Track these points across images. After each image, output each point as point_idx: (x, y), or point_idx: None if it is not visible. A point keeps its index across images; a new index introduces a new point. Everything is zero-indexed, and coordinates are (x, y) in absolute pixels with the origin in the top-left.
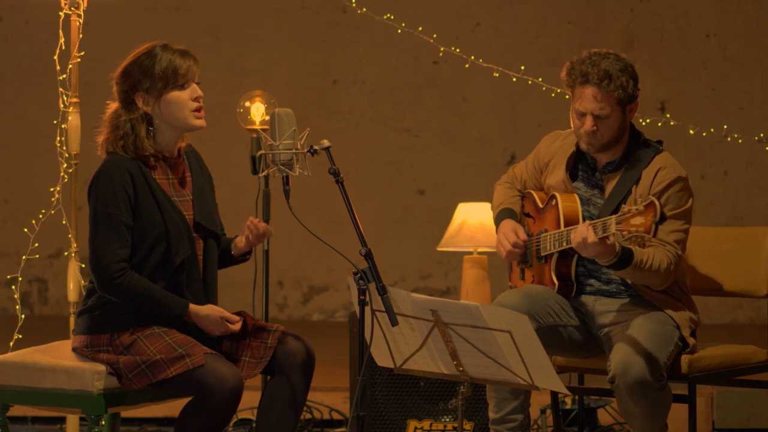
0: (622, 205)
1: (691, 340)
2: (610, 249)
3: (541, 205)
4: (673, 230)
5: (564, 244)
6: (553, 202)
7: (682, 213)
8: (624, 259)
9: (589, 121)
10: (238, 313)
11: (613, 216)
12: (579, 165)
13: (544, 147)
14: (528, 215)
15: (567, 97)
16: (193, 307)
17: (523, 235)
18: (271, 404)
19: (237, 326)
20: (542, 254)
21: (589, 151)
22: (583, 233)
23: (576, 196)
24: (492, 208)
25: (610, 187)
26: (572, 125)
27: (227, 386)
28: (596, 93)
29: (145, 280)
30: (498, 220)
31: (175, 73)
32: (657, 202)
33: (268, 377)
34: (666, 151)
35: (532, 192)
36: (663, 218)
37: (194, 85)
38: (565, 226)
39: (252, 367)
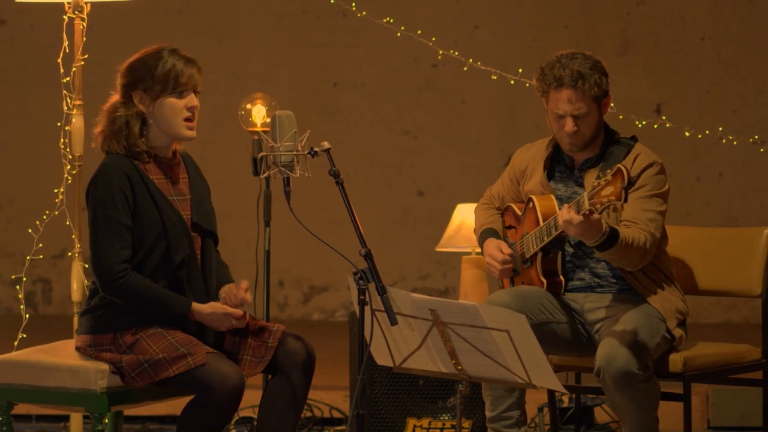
0: (593, 181)
1: (677, 332)
2: (596, 224)
3: (520, 213)
4: (648, 209)
5: (545, 237)
6: (530, 205)
7: (659, 194)
8: (611, 238)
9: (569, 123)
10: None
11: (585, 192)
12: (556, 166)
13: (518, 158)
14: (510, 227)
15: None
16: (196, 305)
17: (507, 250)
18: (272, 404)
19: (242, 321)
20: (527, 256)
21: (571, 151)
22: (565, 214)
23: (552, 196)
24: (474, 231)
25: (589, 183)
26: (551, 129)
27: (229, 385)
28: (572, 95)
29: (147, 280)
30: (481, 242)
31: (176, 80)
32: (624, 168)
33: (269, 376)
34: (641, 143)
35: (511, 204)
36: (631, 183)
37: (192, 95)
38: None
39: (253, 366)
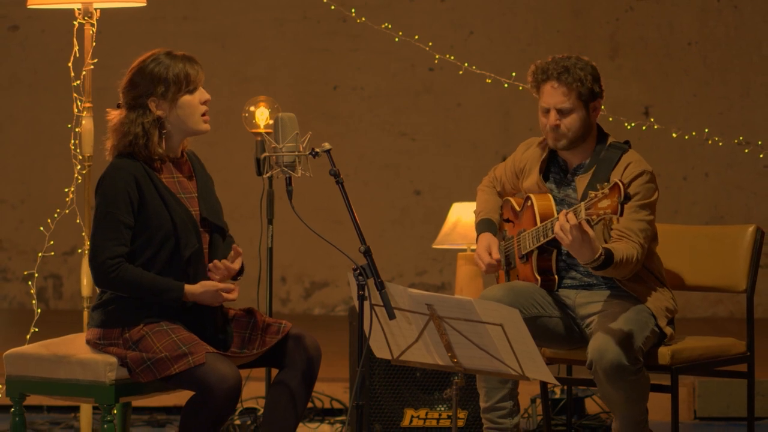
0: (589, 191)
1: (668, 330)
2: (588, 242)
3: (518, 209)
4: (639, 219)
5: (542, 238)
6: (528, 203)
7: (648, 204)
8: (606, 261)
9: (552, 116)
10: (247, 311)
11: (582, 202)
12: (551, 168)
13: (520, 153)
14: (507, 221)
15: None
16: (188, 287)
17: (496, 254)
18: (274, 406)
19: (233, 294)
20: (523, 253)
21: (555, 147)
22: (562, 222)
23: (550, 195)
24: (474, 213)
25: (581, 188)
26: (540, 126)
27: (226, 386)
28: (555, 85)
29: (138, 269)
30: (478, 232)
31: (187, 79)
32: (620, 183)
33: (276, 371)
34: (633, 150)
35: (510, 198)
36: (627, 197)
37: (202, 90)
38: (541, 223)
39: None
